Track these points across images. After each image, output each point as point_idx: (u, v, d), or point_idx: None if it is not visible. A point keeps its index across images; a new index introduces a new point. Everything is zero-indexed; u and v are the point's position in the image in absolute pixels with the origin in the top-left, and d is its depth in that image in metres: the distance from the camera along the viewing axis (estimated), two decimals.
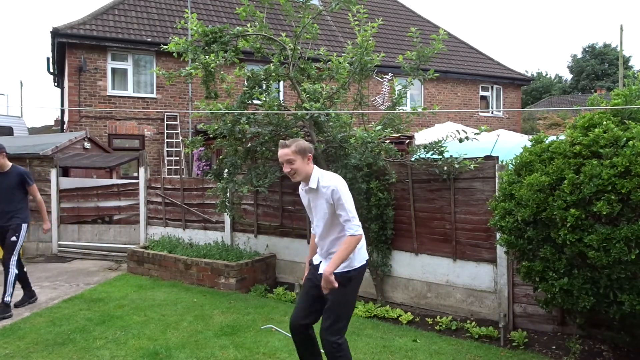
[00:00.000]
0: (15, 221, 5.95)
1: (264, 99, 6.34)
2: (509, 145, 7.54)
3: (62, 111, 17.66)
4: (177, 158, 14.34)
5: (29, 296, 6.26)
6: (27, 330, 5.18)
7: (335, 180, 3.20)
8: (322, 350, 3.43)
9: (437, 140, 5.99)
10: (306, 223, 7.21)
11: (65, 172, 10.50)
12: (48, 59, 16.96)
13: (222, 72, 6.77)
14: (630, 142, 3.67)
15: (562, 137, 4.28)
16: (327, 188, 3.18)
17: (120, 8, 15.34)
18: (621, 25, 24.69)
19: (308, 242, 7.21)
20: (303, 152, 3.23)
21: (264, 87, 6.66)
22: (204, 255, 7.47)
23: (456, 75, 18.86)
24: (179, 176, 11.15)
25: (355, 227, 3.12)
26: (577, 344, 4.58)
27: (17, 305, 6.01)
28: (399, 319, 5.67)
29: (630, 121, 4.05)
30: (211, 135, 6.83)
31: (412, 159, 6.22)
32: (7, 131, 15.75)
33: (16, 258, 5.90)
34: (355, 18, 6.34)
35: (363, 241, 3.31)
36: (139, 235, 9.39)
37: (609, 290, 3.68)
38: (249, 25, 6.61)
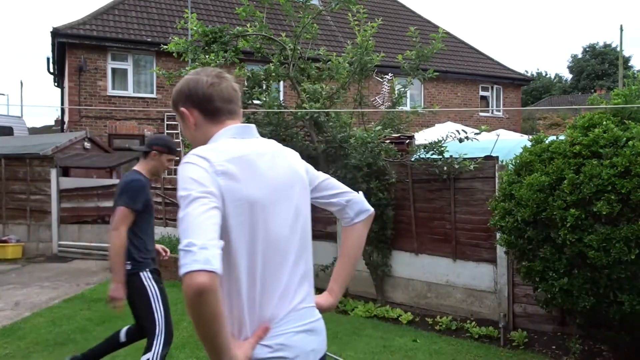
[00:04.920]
0: None
1: (264, 99, 6.35)
2: (509, 145, 7.53)
3: (62, 111, 17.65)
4: (177, 158, 14.32)
5: None
6: (27, 330, 5.18)
7: None
8: None
9: (437, 140, 5.99)
10: None
11: (65, 172, 10.50)
12: (48, 59, 16.95)
13: None
14: (630, 142, 3.68)
15: (562, 137, 4.28)
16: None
17: (120, 8, 15.33)
18: (621, 25, 24.74)
19: None
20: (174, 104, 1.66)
21: (264, 87, 6.66)
22: None
23: (456, 75, 18.84)
24: None
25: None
26: (577, 344, 4.58)
27: None
28: (399, 318, 5.68)
29: (630, 121, 4.05)
30: None
31: (412, 159, 6.22)
32: (8, 131, 15.74)
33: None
34: (355, 18, 6.34)
35: None
36: None
37: (609, 290, 3.68)
38: (249, 25, 6.61)
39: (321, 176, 1.73)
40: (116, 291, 3.27)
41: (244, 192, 1.41)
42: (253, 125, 1.62)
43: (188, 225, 1.29)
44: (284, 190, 1.53)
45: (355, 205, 1.73)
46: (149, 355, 3.33)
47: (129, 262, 3.34)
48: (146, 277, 3.41)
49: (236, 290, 1.41)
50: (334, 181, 1.76)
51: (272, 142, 1.63)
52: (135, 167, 3.65)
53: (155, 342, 3.36)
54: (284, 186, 1.53)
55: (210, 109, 1.57)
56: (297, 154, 1.69)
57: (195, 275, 1.20)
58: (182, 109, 1.59)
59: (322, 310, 1.68)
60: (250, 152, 1.50)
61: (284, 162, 1.58)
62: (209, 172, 1.39)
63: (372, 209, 1.78)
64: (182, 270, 1.22)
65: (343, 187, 1.75)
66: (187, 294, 1.21)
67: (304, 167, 1.67)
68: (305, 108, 5.90)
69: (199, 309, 1.22)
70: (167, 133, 14.49)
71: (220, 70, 1.65)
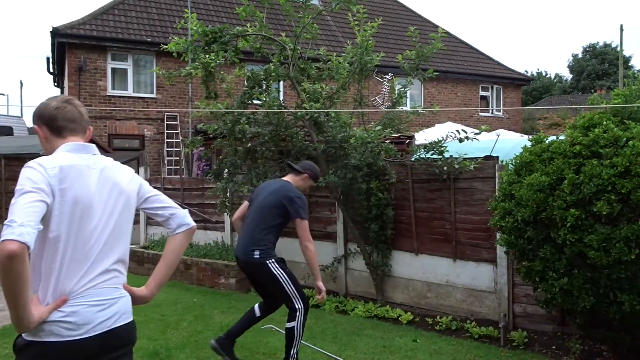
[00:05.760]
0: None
1: (264, 99, 6.34)
2: (509, 145, 7.54)
3: None
4: (177, 158, 14.33)
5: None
6: None
7: None
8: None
9: (437, 140, 5.99)
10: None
11: None
12: (48, 59, 16.96)
13: (222, 72, 6.77)
14: (630, 142, 3.68)
15: (562, 137, 4.28)
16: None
17: (120, 8, 15.33)
18: (621, 25, 24.75)
19: None
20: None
21: (264, 87, 6.65)
22: (204, 255, 7.47)
23: (456, 75, 18.85)
24: (179, 176, 11.15)
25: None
26: (577, 344, 4.58)
27: None
28: (399, 319, 5.68)
29: (630, 121, 4.05)
30: (211, 135, 6.83)
31: (412, 159, 6.22)
32: (7, 131, 15.72)
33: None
34: (355, 18, 6.34)
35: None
36: (139, 235, 9.39)
37: (609, 290, 3.68)
38: (249, 25, 6.61)
39: (152, 192, 2.09)
40: (322, 287, 4.07)
41: (69, 193, 1.79)
42: (93, 145, 1.98)
43: (15, 209, 1.64)
44: (102, 197, 1.89)
45: (177, 218, 2.06)
46: (294, 323, 4.00)
47: (258, 252, 3.96)
48: (272, 264, 3.98)
49: (51, 267, 1.78)
50: (162, 197, 2.11)
51: (107, 160, 1.99)
52: (288, 179, 4.27)
53: (297, 314, 4.01)
54: (102, 194, 1.89)
55: (54, 127, 1.96)
56: (131, 172, 2.07)
57: (8, 243, 1.54)
58: (35, 126, 2.00)
59: (135, 300, 2.01)
60: (80, 163, 1.87)
61: (110, 176, 1.94)
62: (43, 175, 1.76)
63: (193, 224, 2.11)
64: (1, 239, 1.56)
65: (169, 203, 2.10)
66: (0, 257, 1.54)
67: (137, 183, 2.05)
68: (305, 108, 5.89)
69: (7, 270, 1.56)
70: (167, 132, 14.51)
71: (70, 97, 2.05)
